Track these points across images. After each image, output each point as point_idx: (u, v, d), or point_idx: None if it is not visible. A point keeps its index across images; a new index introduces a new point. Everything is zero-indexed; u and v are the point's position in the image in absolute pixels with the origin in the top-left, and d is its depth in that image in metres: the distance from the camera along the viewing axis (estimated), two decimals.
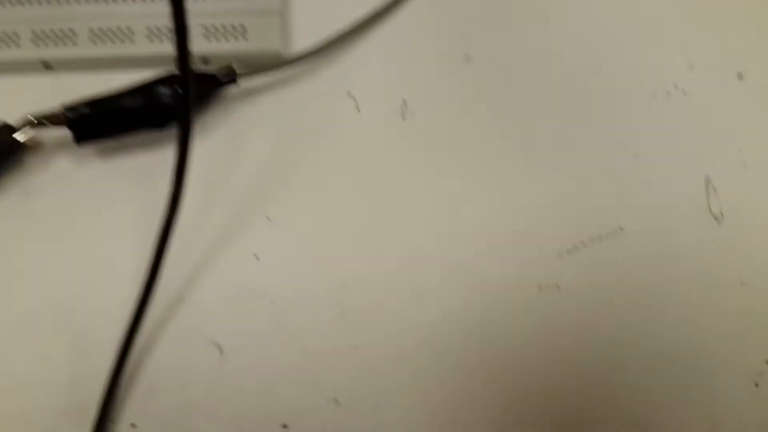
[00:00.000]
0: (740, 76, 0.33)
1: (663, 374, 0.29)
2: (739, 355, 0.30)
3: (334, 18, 0.31)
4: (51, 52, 0.29)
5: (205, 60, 0.30)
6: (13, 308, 0.27)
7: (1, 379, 0.27)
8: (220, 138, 0.30)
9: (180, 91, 0.27)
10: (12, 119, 0.27)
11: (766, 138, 0.33)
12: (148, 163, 0.29)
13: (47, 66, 0.29)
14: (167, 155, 0.29)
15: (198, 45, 0.29)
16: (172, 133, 0.29)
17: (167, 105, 0.28)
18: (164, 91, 0.28)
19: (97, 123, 0.27)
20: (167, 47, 0.29)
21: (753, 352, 0.30)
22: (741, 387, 0.29)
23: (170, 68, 0.28)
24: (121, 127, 0.28)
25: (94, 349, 0.27)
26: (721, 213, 0.31)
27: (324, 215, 0.29)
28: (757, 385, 0.29)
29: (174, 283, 0.28)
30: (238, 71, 0.29)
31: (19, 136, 0.27)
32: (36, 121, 0.27)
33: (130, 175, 0.29)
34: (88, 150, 0.29)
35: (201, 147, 0.29)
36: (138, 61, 0.29)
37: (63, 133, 0.28)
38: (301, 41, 0.31)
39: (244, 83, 0.30)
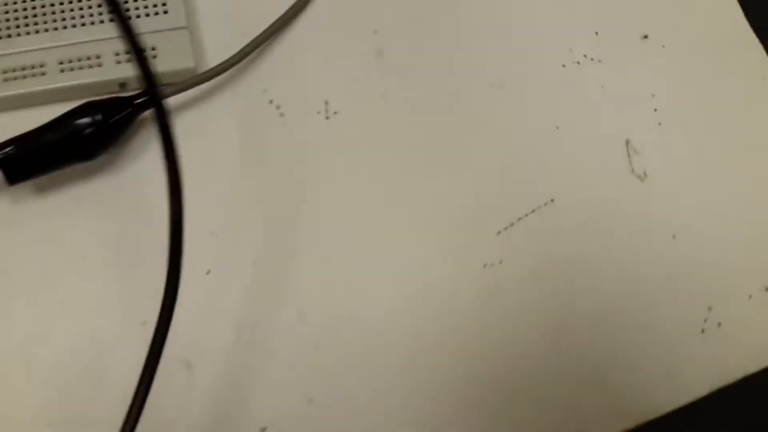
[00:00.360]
0: (645, 37, 0.35)
1: (612, 331, 0.30)
2: (682, 304, 0.31)
3: (244, 29, 0.31)
4: None
5: (121, 85, 0.30)
6: None
7: None
8: (149, 160, 0.30)
9: (105, 117, 0.27)
10: None
11: (677, 94, 0.34)
12: (86, 195, 0.29)
13: None
14: (101, 184, 0.29)
15: (111, 71, 0.29)
16: (103, 161, 0.29)
17: (91, 135, 0.27)
18: (85, 121, 0.27)
19: (26, 161, 0.27)
20: (79, 76, 0.29)
21: (694, 301, 0.31)
22: (688, 334, 0.30)
23: (86, 98, 0.28)
24: (51, 163, 0.27)
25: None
26: (644, 172, 0.32)
27: (266, 222, 0.29)
28: (703, 331, 0.31)
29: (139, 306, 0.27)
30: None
31: None
32: None
33: (69, 208, 0.28)
34: (23, 189, 0.28)
35: (130, 171, 0.29)
36: (51, 94, 0.29)
37: None
38: (216, 55, 0.31)
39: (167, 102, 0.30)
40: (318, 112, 0.31)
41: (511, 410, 0.28)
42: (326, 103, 0.32)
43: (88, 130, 0.27)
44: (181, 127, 0.30)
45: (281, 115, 0.31)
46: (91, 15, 0.30)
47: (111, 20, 0.29)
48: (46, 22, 0.29)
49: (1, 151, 0.27)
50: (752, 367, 0.30)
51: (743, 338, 0.31)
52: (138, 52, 0.26)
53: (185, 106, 0.31)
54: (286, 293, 0.29)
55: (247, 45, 0.31)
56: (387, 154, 0.31)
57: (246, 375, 0.27)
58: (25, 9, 0.29)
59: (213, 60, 0.31)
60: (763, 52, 0.36)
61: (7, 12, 0.29)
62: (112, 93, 0.29)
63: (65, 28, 0.29)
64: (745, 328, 0.31)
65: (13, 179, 0.27)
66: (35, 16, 0.29)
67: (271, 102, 0.31)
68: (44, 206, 0.29)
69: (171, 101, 0.30)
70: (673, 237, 0.32)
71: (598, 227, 0.31)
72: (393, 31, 0.33)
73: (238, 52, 0.31)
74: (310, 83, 0.32)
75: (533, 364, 0.29)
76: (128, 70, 0.29)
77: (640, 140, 0.33)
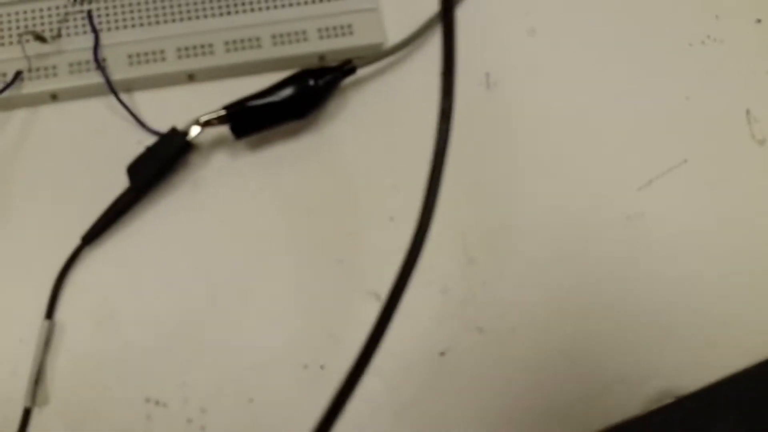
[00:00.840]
0: (758, 21, 0.39)
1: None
2: None
3: (418, 9, 0.36)
4: (193, 64, 0.33)
5: (321, 57, 0.35)
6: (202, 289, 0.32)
7: None
8: (341, 122, 0.35)
9: (316, 83, 0.32)
10: (169, 125, 0.32)
11: None
12: (291, 150, 0.34)
13: (191, 77, 0.34)
14: (304, 142, 0.34)
15: (315, 45, 0.34)
16: (309, 122, 0.34)
17: (305, 97, 0.32)
18: (302, 85, 0.32)
19: (253, 118, 0.32)
20: (288, 50, 0.34)
21: None
22: None
23: (295, 69, 0.33)
24: (271, 119, 0.32)
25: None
26: (764, 138, 0.37)
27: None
28: None
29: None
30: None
31: (188, 138, 0.31)
32: (202, 123, 0.31)
33: (279, 162, 0.34)
34: (241, 145, 0.33)
35: (328, 130, 0.34)
36: (265, 65, 0.34)
37: (218, 131, 0.32)
38: (395, 33, 0.36)
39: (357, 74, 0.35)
40: (480, 83, 0.36)
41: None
42: (487, 75, 0.36)
43: (303, 93, 0.32)
44: (369, 92, 0.36)
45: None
46: None
47: (317, 1, 0.35)
48: (260, 2, 0.34)
49: (235, 110, 0.32)
50: None
51: None
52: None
53: (371, 76, 0.36)
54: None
55: (424, 23, 0.36)
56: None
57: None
58: None
59: (392, 36, 0.36)
60: None
61: None
62: (312, 64, 0.34)
63: (276, 8, 0.34)
64: None
65: (239, 134, 0.32)
66: None
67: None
68: (258, 159, 0.34)
69: (363, 71, 0.35)
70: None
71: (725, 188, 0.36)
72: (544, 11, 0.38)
73: (416, 30, 0.36)
74: (472, 57, 0.37)
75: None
76: (328, 44, 0.34)
77: (759, 110, 0.37)
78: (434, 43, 0.37)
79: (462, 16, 0.37)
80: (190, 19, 0.34)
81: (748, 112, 0.37)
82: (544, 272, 0.33)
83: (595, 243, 0.34)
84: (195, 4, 0.34)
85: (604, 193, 0.35)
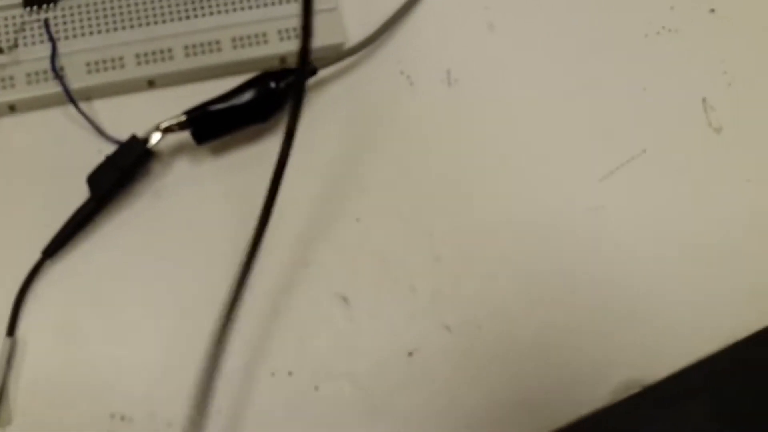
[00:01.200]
0: (712, 11, 0.40)
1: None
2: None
3: (380, 7, 0.36)
4: (153, 70, 0.33)
5: (282, 59, 0.35)
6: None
7: None
8: (304, 124, 0.35)
9: (277, 85, 0.32)
10: (130, 133, 0.31)
11: (744, 58, 0.39)
12: (254, 154, 0.34)
13: (151, 83, 0.33)
14: (266, 146, 0.34)
15: (275, 47, 0.34)
16: (271, 125, 0.34)
17: (267, 100, 0.32)
18: (263, 87, 0.32)
19: (214, 123, 0.32)
20: (249, 52, 0.34)
21: None
22: None
23: (256, 71, 0.33)
24: (233, 124, 0.32)
25: None
26: (720, 126, 0.38)
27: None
28: None
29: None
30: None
31: (149, 145, 0.31)
32: (163, 129, 0.31)
33: (241, 167, 0.33)
34: (202, 151, 0.33)
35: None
36: (226, 68, 0.34)
37: (180, 138, 0.32)
38: (355, 32, 0.36)
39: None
40: (443, 81, 0.36)
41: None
42: (448, 72, 0.37)
43: (264, 96, 0.32)
44: (330, 92, 0.36)
45: (411, 84, 0.36)
46: None
47: (277, 3, 0.34)
48: (219, 5, 0.34)
49: (196, 115, 0.32)
50: None
51: None
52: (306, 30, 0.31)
53: (334, 75, 0.36)
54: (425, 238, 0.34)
55: (384, 22, 0.36)
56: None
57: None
58: None
59: (353, 36, 0.36)
60: None
61: None
62: (273, 67, 0.34)
63: (235, 11, 0.34)
64: None
65: (201, 139, 0.32)
66: None
67: (401, 72, 0.36)
68: (221, 164, 0.34)
69: (324, 72, 0.35)
70: (748, 180, 0.37)
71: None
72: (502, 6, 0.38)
73: (376, 29, 0.36)
74: (434, 55, 0.37)
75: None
76: (289, 46, 0.34)
77: (715, 99, 0.38)
78: (397, 41, 0.37)
79: (422, 14, 0.38)
80: (148, 24, 0.33)
81: (704, 100, 0.38)
82: (509, 267, 0.34)
83: (559, 236, 0.35)
84: (153, 9, 0.34)
85: (567, 185, 0.35)
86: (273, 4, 0.35)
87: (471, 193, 0.35)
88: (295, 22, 0.34)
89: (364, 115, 0.35)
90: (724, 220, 0.36)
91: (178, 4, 0.34)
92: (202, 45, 0.34)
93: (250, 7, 0.34)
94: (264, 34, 0.34)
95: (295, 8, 0.34)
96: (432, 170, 0.35)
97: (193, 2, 0.34)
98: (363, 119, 0.35)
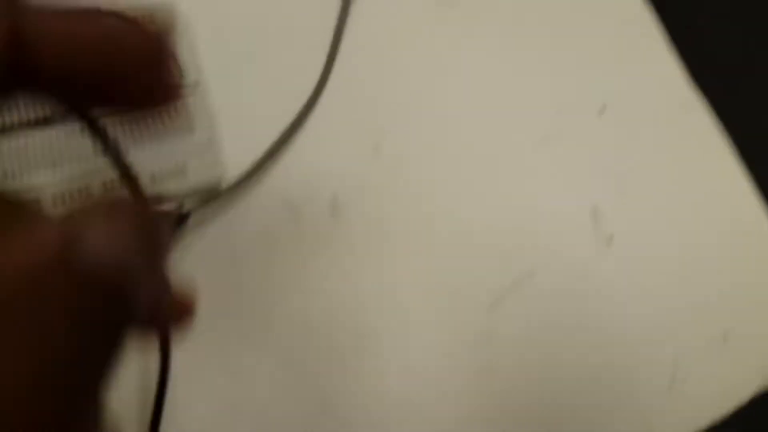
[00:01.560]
0: (602, 110, 0.40)
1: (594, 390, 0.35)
2: (652, 356, 0.36)
3: (256, 140, 0.36)
4: None
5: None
6: None
7: None
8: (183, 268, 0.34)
9: None
10: None
11: (634, 161, 0.39)
12: None
13: None
14: None
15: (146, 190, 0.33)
16: None
17: None
18: None
19: None
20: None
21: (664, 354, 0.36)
22: (658, 385, 0.35)
23: None
24: None
25: None
26: (611, 237, 0.37)
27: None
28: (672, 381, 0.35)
29: None
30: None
31: None
32: None
33: None
34: None
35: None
36: None
37: None
38: (235, 163, 0.35)
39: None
40: (327, 209, 0.36)
41: None
42: (335, 197, 0.36)
43: None
44: (207, 236, 0.35)
45: (292, 212, 0.36)
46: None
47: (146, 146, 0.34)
48: (87, 150, 0.33)
49: None
50: None
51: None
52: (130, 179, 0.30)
53: (211, 216, 0.35)
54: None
55: (262, 154, 0.35)
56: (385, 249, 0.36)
57: None
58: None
59: (233, 168, 0.35)
60: (710, 115, 0.40)
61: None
62: None
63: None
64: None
65: None
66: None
67: (284, 203, 0.36)
68: None
69: (199, 214, 0.34)
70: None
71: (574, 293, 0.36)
72: (389, 131, 0.38)
73: (254, 163, 0.35)
74: (318, 180, 0.36)
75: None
76: (161, 187, 0.34)
77: (605, 207, 0.38)
78: (279, 169, 0.36)
79: (303, 140, 0.37)
80: (22, 174, 0.33)
81: (595, 210, 0.38)
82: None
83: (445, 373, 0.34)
84: (20, 160, 0.33)
85: (457, 314, 0.35)
86: (143, 146, 0.34)
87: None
88: (166, 164, 0.34)
89: (243, 251, 0.35)
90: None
91: (45, 153, 0.33)
92: (71, 193, 0.33)
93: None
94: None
95: (164, 149, 0.34)
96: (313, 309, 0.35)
97: (62, 150, 0.33)
98: (241, 256, 0.35)
